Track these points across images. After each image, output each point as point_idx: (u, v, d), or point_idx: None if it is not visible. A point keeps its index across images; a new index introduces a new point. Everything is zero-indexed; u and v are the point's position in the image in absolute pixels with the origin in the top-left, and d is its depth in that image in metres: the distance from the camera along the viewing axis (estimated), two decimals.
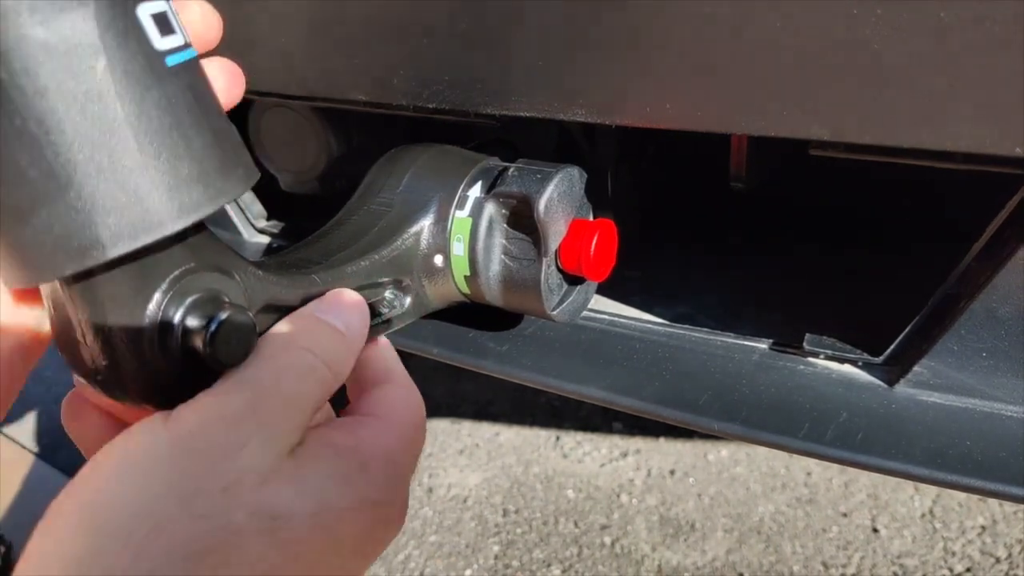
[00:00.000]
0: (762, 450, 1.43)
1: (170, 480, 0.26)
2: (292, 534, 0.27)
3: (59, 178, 0.25)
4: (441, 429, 1.62)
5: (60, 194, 0.25)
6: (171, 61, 0.28)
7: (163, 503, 0.26)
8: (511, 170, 0.49)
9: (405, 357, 0.42)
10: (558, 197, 0.48)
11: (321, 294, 0.41)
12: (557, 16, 0.44)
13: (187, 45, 0.29)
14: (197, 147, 0.29)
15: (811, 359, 0.54)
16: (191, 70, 0.29)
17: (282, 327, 0.35)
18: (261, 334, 0.35)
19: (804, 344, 0.54)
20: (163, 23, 0.28)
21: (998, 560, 1.22)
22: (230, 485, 0.27)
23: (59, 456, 1.51)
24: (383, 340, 0.42)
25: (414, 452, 0.36)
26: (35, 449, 1.54)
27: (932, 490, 1.34)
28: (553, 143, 0.70)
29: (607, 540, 1.32)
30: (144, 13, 0.27)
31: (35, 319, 0.34)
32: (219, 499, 0.26)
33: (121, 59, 0.26)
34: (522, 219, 0.48)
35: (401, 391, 0.37)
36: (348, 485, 0.30)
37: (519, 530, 1.36)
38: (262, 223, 0.81)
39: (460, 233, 0.49)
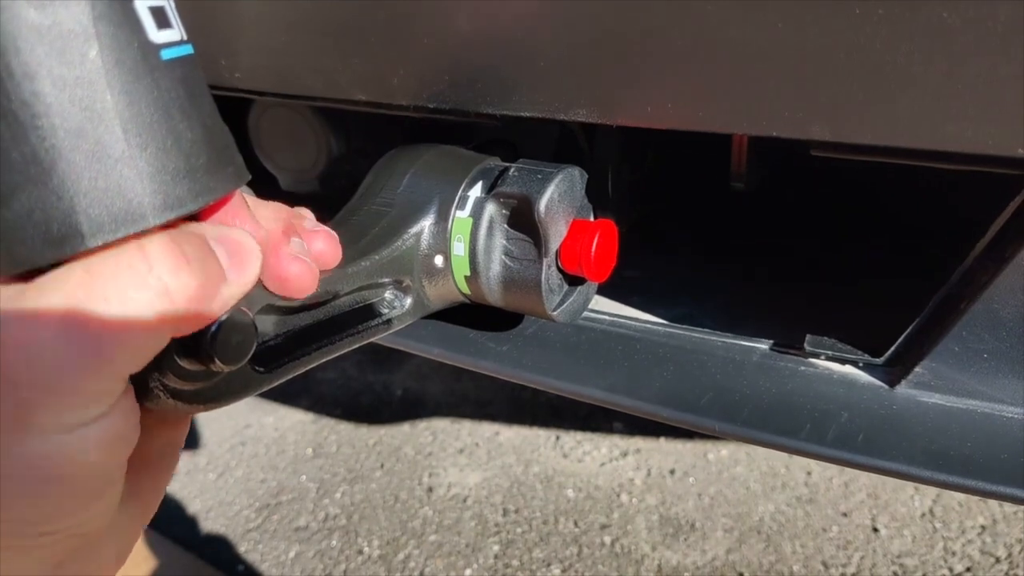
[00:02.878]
0: (762, 450, 1.43)
1: None
2: None
3: (42, 163, 0.25)
4: (441, 429, 1.62)
5: (42, 179, 0.25)
6: (166, 55, 0.28)
7: None
8: (512, 170, 0.49)
9: (405, 357, 0.41)
10: (559, 197, 0.47)
11: (319, 293, 0.41)
12: (558, 16, 0.44)
13: (184, 41, 0.29)
14: (186, 142, 0.28)
15: (812, 360, 0.54)
16: (186, 65, 0.29)
17: None
18: (261, 335, 0.34)
19: (805, 345, 0.54)
20: (160, 16, 0.28)
21: (998, 560, 1.22)
22: None
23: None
24: None
25: None
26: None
27: (932, 490, 1.34)
28: (553, 143, 0.70)
29: (607, 540, 1.32)
30: (142, 5, 0.27)
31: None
32: None
33: (114, 48, 0.26)
34: (522, 219, 0.48)
35: None
36: None
37: (519, 530, 1.36)
38: None
39: (460, 233, 0.49)
